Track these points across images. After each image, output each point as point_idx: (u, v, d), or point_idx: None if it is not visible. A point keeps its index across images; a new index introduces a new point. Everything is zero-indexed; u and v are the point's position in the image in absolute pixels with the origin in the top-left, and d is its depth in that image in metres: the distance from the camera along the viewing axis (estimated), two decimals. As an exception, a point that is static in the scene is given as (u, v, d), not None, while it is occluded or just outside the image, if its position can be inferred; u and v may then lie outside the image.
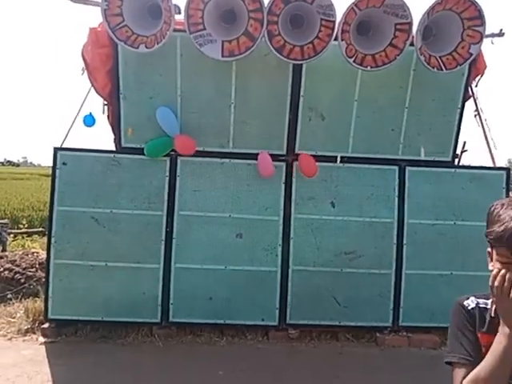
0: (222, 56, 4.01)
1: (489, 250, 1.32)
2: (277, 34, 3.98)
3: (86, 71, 4.46)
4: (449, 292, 4.69)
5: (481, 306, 1.35)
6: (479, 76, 4.74)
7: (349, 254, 4.65)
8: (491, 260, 1.30)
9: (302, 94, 4.50)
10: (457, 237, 4.71)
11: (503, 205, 1.26)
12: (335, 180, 4.66)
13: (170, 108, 4.42)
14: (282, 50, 4.02)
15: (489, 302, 1.31)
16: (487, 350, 1.24)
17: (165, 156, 4.52)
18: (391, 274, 4.68)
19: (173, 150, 4.49)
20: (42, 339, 4.39)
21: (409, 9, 3.91)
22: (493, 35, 4.55)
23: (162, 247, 4.56)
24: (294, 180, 4.63)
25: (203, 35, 3.96)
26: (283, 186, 4.63)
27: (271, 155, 4.55)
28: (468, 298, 1.39)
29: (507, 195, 4.83)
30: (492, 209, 1.31)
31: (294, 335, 4.60)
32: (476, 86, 4.81)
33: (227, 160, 4.59)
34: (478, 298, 1.38)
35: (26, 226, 10.78)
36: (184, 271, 4.58)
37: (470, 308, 1.36)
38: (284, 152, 4.63)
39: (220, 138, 4.57)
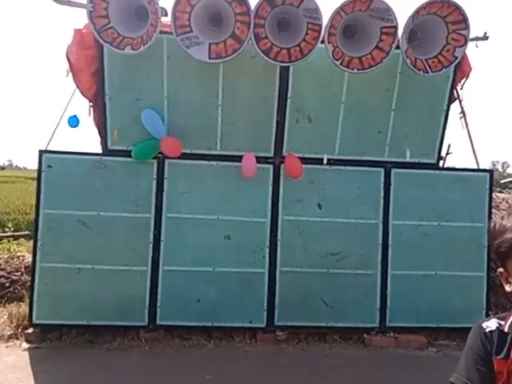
0: (209, 58, 4.01)
1: (501, 270, 1.21)
2: (264, 37, 4.00)
3: (70, 73, 4.42)
4: (434, 292, 4.75)
5: (502, 328, 1.23)
6: (464, 78, 4.81)
7: (335, 255, 4.67)
8: (506, 281, 1.19)
9: (289, 96, 4.52)
10: (441, 237, 4.77)
11: (503, 217, 1.19)
12: (322, 182, 4.69)
13: (156, 110, 4.40)
14: (268, 52, 4.04)
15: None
16: (508, 377, 1.16)
17: (152, 158, 4.50)
18: (377, 274, 4.72)
19: (160, 153, 4.47)
20: (25, 345, 4.32)
21: (394, 13, 3.96)
22: (477, 39, 4.62)
23: (150, 250, 4.53)
24: (281, 182, 4.64)
25: (190, 37, 3.96)
26: (271, 188, 4.63)
27: (259, 157, 4.56)
28: (489, 320, 1.27)
29: (490, 196, 4.89)
30: (493, 224, 1.21)
31: (282, 337, 4.60)
32: (461, 88, 4.88)
33: (215, 162, 4.58)
34: (501, 320, 1.25)
35: (12, 229, 10.61)
36: (172, 273, 4.56)
37: (487, 331, 1.24)
38: (271, 154, 4.65)
39: (207, 140, 4.57)
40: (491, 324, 1.24)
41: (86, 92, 4.47)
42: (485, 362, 1.22)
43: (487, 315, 4.78)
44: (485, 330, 1.24)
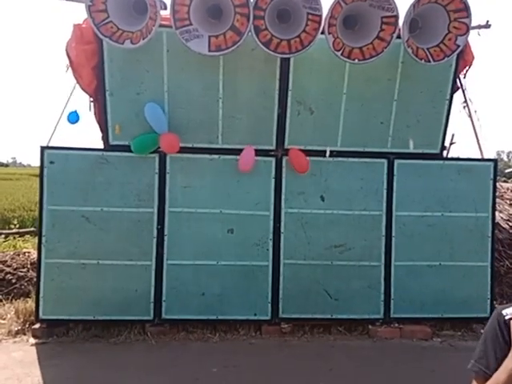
0: (209, 51, 3.99)
1: None
2: (263, 29, 3.97)
3: (70, 68, 4.41)
4: (438, 282, 4.75)
5: None
6: (467, 67, 4.76)
7: (339, 247, 4.67)
8: None
9: (290, 87, 4.49)
10: (445, 228, 4.75)
11: None
12: (324, 174, 4.67)
13: (157, 103, 4.39)
14: (269, 44, 4.01)
15: None
16: None
17: (153, 153, 4.50)
18: (381, 265, 4.72)
19: (159, 147, 4.46)
20: (32, 340, 4.36)
21: (394, 2, 3.91)
22: (479, 27, 4.57)
23: (154, 244, 4.54)
24: (283, 175, 4.63)
25: (189, 30, 3.93)
26: (273, 181, 4.62)
27: (261, 150, 4.55)
28: (509, 307, 1.25)
29: (495, 186, 4.86)
30: None
31: (287, 329, 4.62)
32: (464, 77, 4.83)
33: (216, 156, 4.57)
34: None
35: (18, 226, 10.67)
36: (176, 268, 4.57)
37: (507, 318, 1.22)
38: (273, 147, 4.63)
39: (209, 133, 4.55)
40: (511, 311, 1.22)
41: (87, 87, 4.46)
42: (502, 349, 1.20)
43: (491, 305, 4.77)
44: (504, 316, 1.22)
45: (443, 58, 4.21)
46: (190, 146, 4.53)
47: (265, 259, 4.63)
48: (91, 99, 4.62)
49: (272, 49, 4.02)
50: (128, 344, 4.35)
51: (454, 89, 4.74)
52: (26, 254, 6.49)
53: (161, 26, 3.97)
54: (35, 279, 4.75)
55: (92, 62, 4.33)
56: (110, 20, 3.96)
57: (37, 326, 4.45)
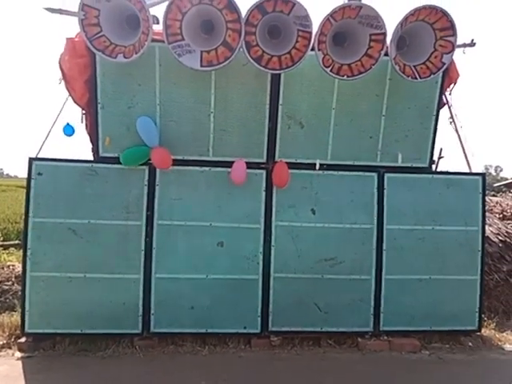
0: (201, 66, 4.04)
1: None
2: (255, 45, 4.04)
3: (63, 81, 4.42)
4: (427, 295, 4.79)
5: None
6: (452, 84, 4.89)
7: (329, 261, 4.69)
8: None
9: (280, 102, 4.55)
10: (435, 241, 4.81)
11: None
12: (315, 187, 4.72)
13: (150, 117, 4.41)
14: (260, 60, 4.08)
15: None
16: None
17: (143, 165, 4.50)
18: (371, 279, 4.74)
19: (150, 159, 4.47)
20: (18, 354, 4.27)
21: (383, 20, 4.02)
22: (464, 45, 4.72)
23: (142, 257, 4.51)
24: (274, 188, 4.66)
25: (182, 45, 3.98)
26: (264, 194, 4.65)
27: (251, 163, 4.58)
28: None
29: (484, 200, 4.95)
30: None
31: (277, 342, 4.60)
32: (450, 93, 4.96)
33: (207, 168, 4.59)
34: None
35: (2, 239, 10.50)
36: (165, 281, 4.54)
37: None
38: (264, 160, 4.66)
39: (199, 146, 4.58)
40: None
41: (79, 100, 4.47)
42: None
43: (480, 318, 4.82)
44: None
45: (429, 75, 4.33)
46: (181, 158, 4.55)
47: (255, 272, 4.63)
48: (83, 111, 4.63)
49: (263, 64, 4.09)
50: (116, 358, 4.28)
51: (441, 105, 4.86)
52: (11, 267, 6.41)
53: (153, 40, 4.02)
54: (20, 293, 4.68)
55: (85, 76, 4.35)
56: (102, 34, 3.99)
57: (22, 339, 4.38)
